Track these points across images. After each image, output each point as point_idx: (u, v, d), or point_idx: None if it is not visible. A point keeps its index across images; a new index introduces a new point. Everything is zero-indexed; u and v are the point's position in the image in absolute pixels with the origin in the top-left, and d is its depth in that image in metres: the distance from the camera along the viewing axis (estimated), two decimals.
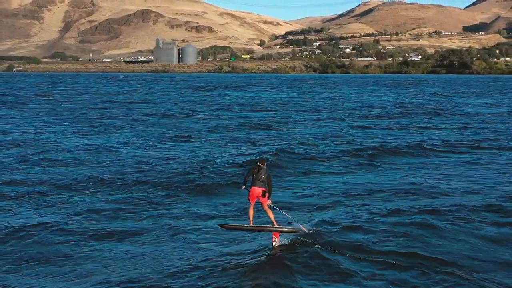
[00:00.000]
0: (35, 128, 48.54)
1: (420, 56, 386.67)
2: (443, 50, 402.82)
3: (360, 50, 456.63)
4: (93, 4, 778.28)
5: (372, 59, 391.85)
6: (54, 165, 30.20)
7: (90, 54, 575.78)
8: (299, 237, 16.58)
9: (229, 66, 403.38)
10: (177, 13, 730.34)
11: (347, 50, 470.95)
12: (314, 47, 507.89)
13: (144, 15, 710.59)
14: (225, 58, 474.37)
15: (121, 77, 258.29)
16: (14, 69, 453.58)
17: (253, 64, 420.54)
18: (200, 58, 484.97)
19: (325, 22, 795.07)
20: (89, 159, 31.68)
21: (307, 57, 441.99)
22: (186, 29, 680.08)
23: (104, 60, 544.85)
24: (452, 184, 25.54)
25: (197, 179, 25.65)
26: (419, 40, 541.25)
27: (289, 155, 32.55)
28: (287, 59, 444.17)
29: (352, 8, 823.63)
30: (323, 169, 29.56)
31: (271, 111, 68.07)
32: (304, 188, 25.28)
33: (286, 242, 16.38)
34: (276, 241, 16.20)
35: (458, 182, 26.01)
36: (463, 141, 39.56)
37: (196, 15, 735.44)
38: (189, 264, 15.42)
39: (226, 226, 16.70)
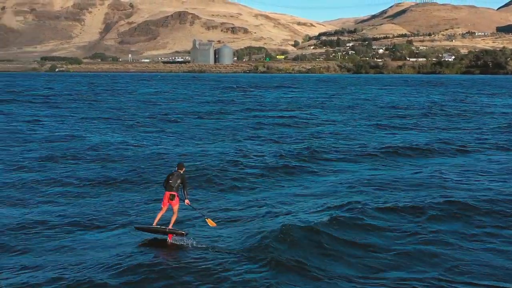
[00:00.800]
0: (84, 127, 48.96)
1: (453, 57, 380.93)
2: (477, 50, 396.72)
3: (393, 50, 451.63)
4: (132, 6, 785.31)
5: (407, 59, 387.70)
6: (106, 161, 30.73)
7: (129, 55, 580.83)
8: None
9: (264, 67, 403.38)
10: (213, 15, 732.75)
11: (380, 51, 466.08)
12: (347, 47, 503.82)
13: (181, 16, 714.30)
14: (260, 59, 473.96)
15: (159, 76, 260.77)
16: (56, 69, 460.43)
17: (288, 64, 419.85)
18: (236, 58, 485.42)
19: (358, 23, 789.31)
20: (128, 156, 32.20)
21: (340, 57, 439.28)
22: (222, 30, 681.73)
23: (142, 60, 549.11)
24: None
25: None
26: (452, 40, 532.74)
27: (313, 154, 32.86)
28: (321, 59, 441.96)
29: (385, 9, 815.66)
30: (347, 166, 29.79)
31: (303, 111, 67.60)
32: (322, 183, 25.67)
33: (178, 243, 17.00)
34: (169, 241, 17.00)
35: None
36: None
37: (231, 16, 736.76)
38: None
39: (137, 227, 17.73)
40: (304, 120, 54.57)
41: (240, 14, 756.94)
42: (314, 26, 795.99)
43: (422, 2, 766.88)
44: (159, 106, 74.12)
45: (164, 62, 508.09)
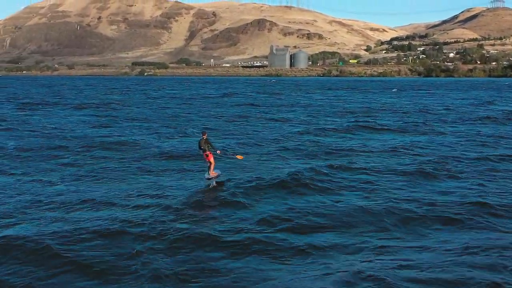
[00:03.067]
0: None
1: None
2: None
3: (463, 54, 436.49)
4: (214, 15, 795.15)
5: (477, 63, 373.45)
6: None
7: (212, 60, 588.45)
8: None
9: (337, 70, 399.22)
10: (289, 22, 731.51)
11: (451, 55, 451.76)
12: (418, 52, 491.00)
13: (260, 24, 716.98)
14: (333, 63, 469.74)
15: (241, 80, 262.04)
16: (145, 74, 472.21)
17: (360, 68, 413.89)
18: (310, 62, 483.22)
19: (429, 28, 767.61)
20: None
21: (411, 61, 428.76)
22: (297, 36, 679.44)
23: (223, 65, 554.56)
24: None
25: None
26: None
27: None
28: (392, 63, 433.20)
29: (456, 15, 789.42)
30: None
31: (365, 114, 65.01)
32: None
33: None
34: (214, 183, 22.61)
35: None
36: None
37: (307, 23, 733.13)
38: None
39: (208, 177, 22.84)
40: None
41: (315, 21, 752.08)
42: (386, 31, 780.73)
43: (493, 7, 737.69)
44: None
45: (243, 67, 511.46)
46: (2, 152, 32.71)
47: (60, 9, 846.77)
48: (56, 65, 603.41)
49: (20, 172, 26.61)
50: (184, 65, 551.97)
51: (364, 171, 26.48)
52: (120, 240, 16.16)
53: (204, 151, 22.18)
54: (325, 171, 25.93)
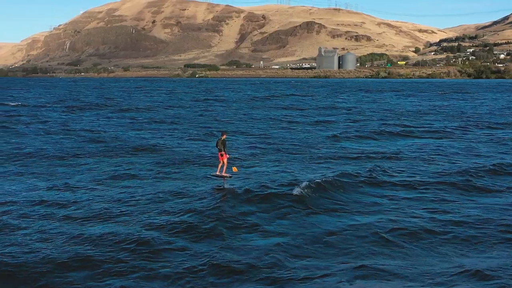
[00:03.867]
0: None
1: None
2: None
3: None
4: (264, 18, 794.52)
5: None
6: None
7: (261, 62, 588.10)
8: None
9: (386, 72, 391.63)
10: (338, 24, 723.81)
11: (502, 56, 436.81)
12: (468, 53, 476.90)
13: (308, 26, 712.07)
14: (382, 65, 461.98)
15: (292, 82, 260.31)
16: (197, 75, 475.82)
17: (409, 70, 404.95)
18: (358, 64, 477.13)
19: (479, 29, 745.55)
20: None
21: (461, 63, 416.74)
22: (346, 38, 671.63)
23: (272, 67, 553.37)
24: None
25: None
26: None
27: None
28: (441, 65, 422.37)
29: (507, 15, 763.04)
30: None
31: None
32: None
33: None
34: (225, 183, 23.11)
35: None
36: None
37: (355, 25, 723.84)
38: None
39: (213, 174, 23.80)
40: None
41: (364, 23, 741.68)
42: (435, 33, 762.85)
43: None
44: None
45: (292, 68, 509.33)
46: (34, 156, 32.15)
47: (116, 13, 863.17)
48: (112, 67, 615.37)
49: (44, 177, 25.76)
50: (234, 67, 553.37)
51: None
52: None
53: (220, 150, 22.82)
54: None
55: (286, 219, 19.04)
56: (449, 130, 46.41)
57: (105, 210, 19.71)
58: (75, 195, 22.23)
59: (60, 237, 16.56)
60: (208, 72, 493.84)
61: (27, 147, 36.09)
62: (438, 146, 36.61)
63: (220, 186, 23.14)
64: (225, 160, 22.74)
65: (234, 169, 23.41)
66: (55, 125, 50.94)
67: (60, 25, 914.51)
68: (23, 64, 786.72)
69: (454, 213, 19.48)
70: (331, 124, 53.04)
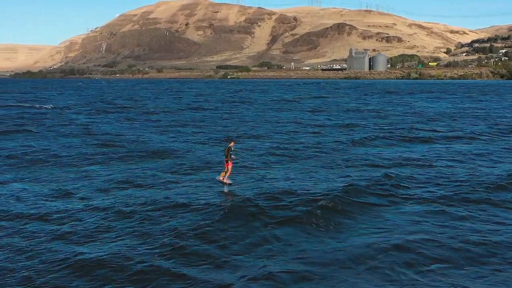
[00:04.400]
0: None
1: None
2: None
3: None
4: (295, 20, 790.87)
5: None
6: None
7: (292, 63, 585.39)
8: None
9: (417, 73, 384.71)
10: (369, 26, 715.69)
11: None
12: (501, 54, 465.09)
13: (339, 28, 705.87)
14: (413, 66, 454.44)
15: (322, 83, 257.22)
16: (228, 76, 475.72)
17: (440, 71, 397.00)
18: (389, 65, 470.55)
19: (511, 30, 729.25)
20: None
21: (493, 63, 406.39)
22: (377, 40, 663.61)
23: (303, 68, 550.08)
24: None
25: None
26: None
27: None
28: (473, 66, 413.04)
29: None
30: None
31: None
32: None
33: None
34: (225, 188, 22.85)
35: None
36: None
37: (386, 26, 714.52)
38: None
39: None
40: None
41: (395, 24, 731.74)
42: (466, 33, 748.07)
43: None
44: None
45: (322, 70, 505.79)
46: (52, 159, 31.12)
47: (151, 16, 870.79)
48: (146, 69, 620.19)
49: (45, 183, 24.41)
50: (266, 68, 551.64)
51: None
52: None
53: (226, 157, 22.74)
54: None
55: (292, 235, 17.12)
56: (481, 135, 43.63)
57: (104, 222, 18.17)
58: (71, 203, 20.76)
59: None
60: (239, 73, 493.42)
61: (41, 150, 34.95)
62: (467, 151, 34.09)
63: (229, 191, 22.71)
64: (230, 168, 22.71)
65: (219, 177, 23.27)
66: (76, 128, 49.90)
67: (96, 28, 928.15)
68: (61, 65, 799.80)
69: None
70: (356, 127, 50.63)
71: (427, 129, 47.74)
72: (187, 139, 41.27)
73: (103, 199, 21.52)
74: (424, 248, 15.67)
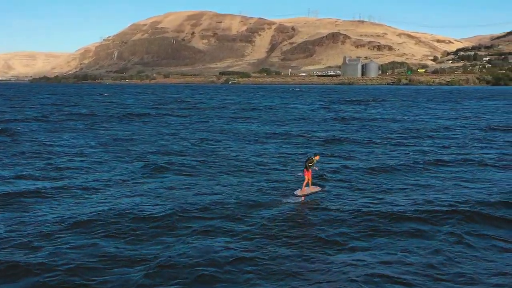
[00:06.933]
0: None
1: None
2: None
3: None
4: (293, 29, 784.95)
5: None
6: None
7: (290, 70, 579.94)
8: None
9: (407, 79, 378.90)
10: (361, 35, 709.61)
11: None
12: (484, 61, 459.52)
13: (334, 37, 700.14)
14: (402, 72, 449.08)
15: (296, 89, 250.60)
16: (230, 82, 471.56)
17: (429, 77, 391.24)
18: (380, 72, 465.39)
19: (493, 39, 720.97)
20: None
21: (478, 70, 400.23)
22: (369, 48, 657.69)
23: (300, 74, 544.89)
24: None
25: None
26: None
27: None
28: (459, 72, 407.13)
29: None
30: None
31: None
32: None
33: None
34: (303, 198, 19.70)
35: None
36: None
37: (378, 36, 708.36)
38: None
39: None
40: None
41: (386, 34, 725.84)
42: (452, 42, 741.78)
43: None
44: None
45: (318, 76, 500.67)
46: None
47: (159, 26, 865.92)
48: (154, 75, 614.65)
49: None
50: (265, 74, 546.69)
51: None
52: None
53: (305, 168, 20.12)
54: None
55: None
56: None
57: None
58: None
59: None
60: (240, 79, 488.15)
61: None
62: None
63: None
64: (308, 177, 20.14)
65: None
66: (84, 133, 43.28)
67: (109, 36, 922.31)
68: (76, 71, 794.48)
69: None
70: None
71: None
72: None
73: None
74: None
